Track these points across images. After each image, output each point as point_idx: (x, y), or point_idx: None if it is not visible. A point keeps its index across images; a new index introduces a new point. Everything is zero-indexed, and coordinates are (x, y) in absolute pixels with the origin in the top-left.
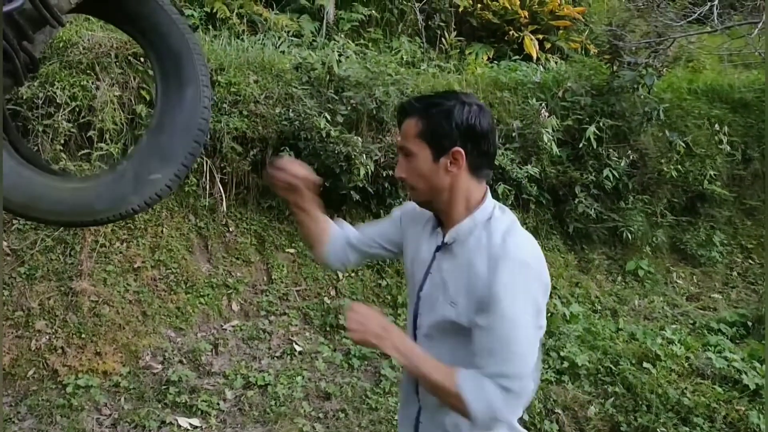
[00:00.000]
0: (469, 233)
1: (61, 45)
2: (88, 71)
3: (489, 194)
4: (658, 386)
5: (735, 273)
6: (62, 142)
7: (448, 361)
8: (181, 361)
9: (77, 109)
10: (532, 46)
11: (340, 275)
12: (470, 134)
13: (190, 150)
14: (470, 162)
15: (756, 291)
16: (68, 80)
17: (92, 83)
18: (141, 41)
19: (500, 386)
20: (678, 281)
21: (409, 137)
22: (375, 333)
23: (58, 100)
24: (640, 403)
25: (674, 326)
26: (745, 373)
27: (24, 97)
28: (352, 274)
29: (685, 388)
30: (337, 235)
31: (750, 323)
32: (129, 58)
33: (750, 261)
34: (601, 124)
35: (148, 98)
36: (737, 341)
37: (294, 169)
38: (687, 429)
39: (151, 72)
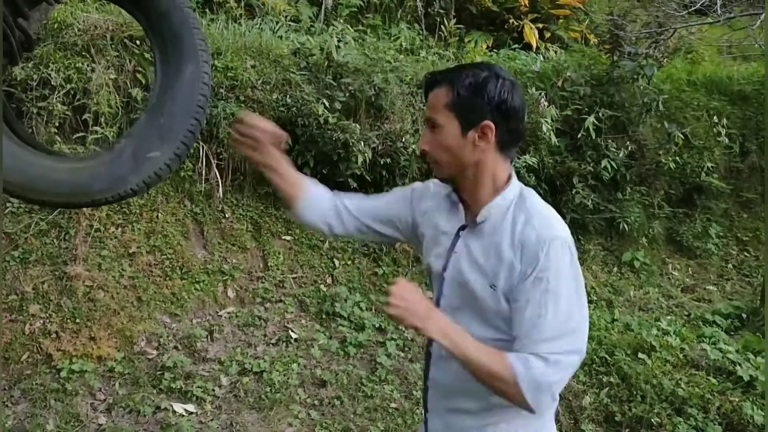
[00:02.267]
0: (501, 213)
1: (55, 26)
2: (83, 53)
3: (514, 173)
4: (653, 377)
5: (730, 265)
6: (57, 124)
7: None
8: (176, 347)
9: (72, 92)
10: (531, 35)
11: (337, 263)
12: (502, 109)
13: (190, 128)
14: (499, 138)
15: (751, 283)
16: (63, 62)
17: (87, 66)
18: (139, 18)
19: (548, 362)
20: (673, 273)
21: (437, 108)
22: (419, 314)
23: (52, 83)
24: (635, 393)
25: (669, 317)
26: (740, 365)
27: (18, 79)
28: (348, 262)
29: (680, 378)
30: (320, 193)
31: (745, 315)
32: (125, 40)
33: (745, 253)
34: (600, 114)
35: (143, 82)
36: (732, 333)
37: (259, 123)
38: (681, 419)
39: (147, 55)
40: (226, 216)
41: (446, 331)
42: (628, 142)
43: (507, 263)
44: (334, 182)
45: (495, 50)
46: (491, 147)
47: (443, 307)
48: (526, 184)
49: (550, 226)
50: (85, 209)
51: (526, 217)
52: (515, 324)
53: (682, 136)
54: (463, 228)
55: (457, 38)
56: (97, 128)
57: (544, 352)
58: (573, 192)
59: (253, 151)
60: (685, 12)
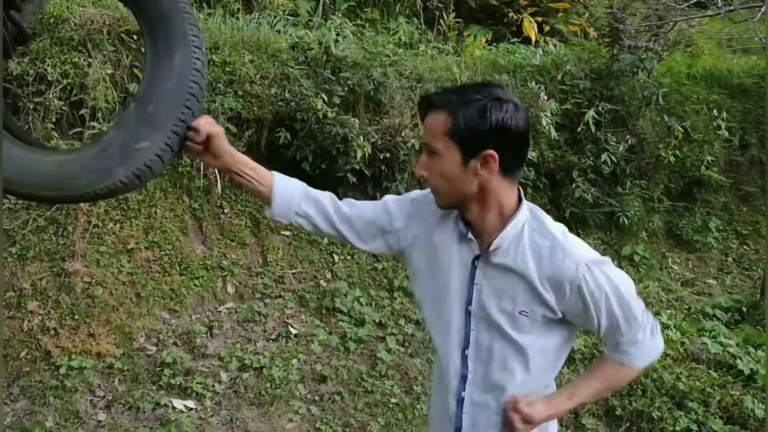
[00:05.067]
0: (517, 241)
1: (51, 21)
2: (79, 48)
3: (522, 194)
4: (653, 371)
5: (730, 259)
6: (53, 120)
7: (513, 357)
8: (175, 343)
9: (69, 87)
10: (531, 28)
11: (336, 258)
12: (505, 136)
13: (181, 116)
14: (503, 164)
15: (750, 277)
16: (59, 57)
17: (84, 61)
18: (128, 3)
19: (646, 336)
20: (673, 267)
21: (436, 135)
22: (542, 419)
23: (49, 78)
24: (635, 387)
25: (669, 311)
26: (740, 359)
27: (14, 74)
28: (348, 257)
29: (680, 372)
30: (293, 189)
31: (745, 309)
32: (122, 35)
33: (745, 247)
34: (599, 108)
35: (141, 76)
36: (732, 327)
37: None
38: (681, 413)
39: (144, 50)
40: (225, 211)
41: (562, 405)
42: (627, 136)
43: (539, 290)
44: (334, 177)
45: (494, 44)
46: (495, 174)
47: (480, 343)
48: (525, 178)
49: (579, 249)
50: (82, 205)
51: (551, 243)
52: (601, 332)
53: (682, 130)
54: (477, 257)
55: (456, 32)
56: (95, 123)
57: (639, 339)
58: (573, 186)
59: (203, 156)
60: (684, 5)
